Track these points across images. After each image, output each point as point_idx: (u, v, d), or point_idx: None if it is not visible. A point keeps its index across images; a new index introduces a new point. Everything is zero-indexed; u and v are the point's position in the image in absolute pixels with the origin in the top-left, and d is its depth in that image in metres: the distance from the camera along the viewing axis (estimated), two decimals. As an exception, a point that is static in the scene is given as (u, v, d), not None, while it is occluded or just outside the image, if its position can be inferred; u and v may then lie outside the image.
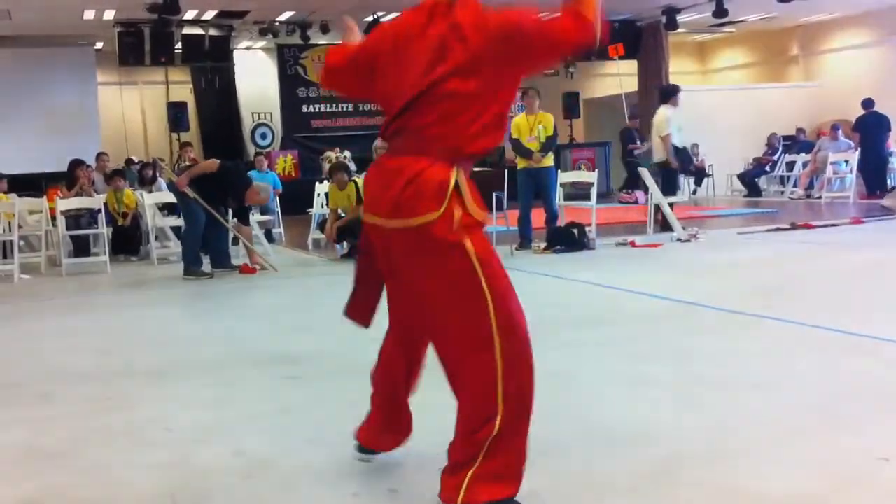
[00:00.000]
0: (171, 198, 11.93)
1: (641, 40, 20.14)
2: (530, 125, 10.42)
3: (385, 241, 2.91)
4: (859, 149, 15.67)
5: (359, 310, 3.28)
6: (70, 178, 12.36)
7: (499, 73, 2.79)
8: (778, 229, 11.25)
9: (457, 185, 2.78)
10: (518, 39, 2.77)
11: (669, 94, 12.14)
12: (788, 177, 17.99)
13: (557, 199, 10.83)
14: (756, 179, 18.06)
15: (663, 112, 11.75)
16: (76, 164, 12.63)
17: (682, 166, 12.06)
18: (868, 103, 15.81)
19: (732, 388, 4.31)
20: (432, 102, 2.77)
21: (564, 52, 2.89)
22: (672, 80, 20.43)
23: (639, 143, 17.32)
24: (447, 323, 2.85)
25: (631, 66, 20.53)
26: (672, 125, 11.59)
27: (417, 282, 2.89)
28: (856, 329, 5.26)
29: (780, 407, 3.95)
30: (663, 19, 18.87)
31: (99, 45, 18.81)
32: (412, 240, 2.79)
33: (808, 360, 4.78)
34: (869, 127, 15.64)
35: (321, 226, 11.84)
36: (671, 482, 3.13)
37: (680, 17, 18.72)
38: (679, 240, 10.54)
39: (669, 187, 11.76)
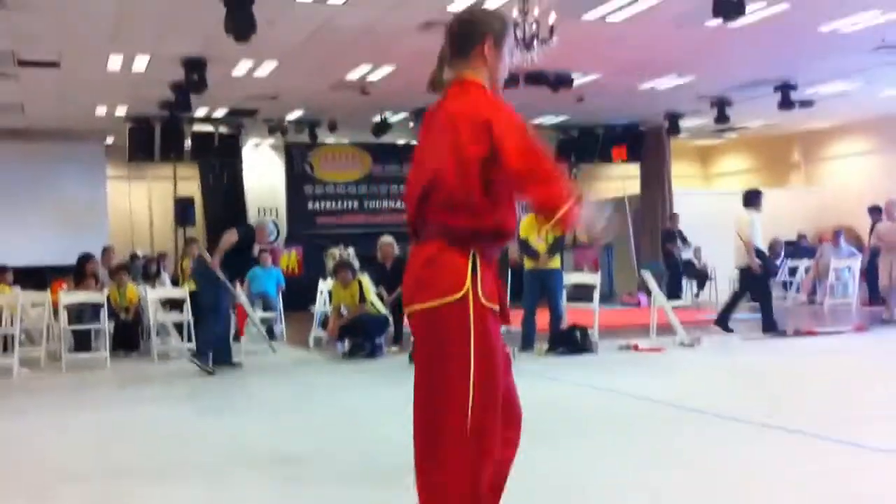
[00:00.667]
0: (173, 293, 11.98)
1: (644, 144, 20.41)
2: (538, 226, 10.44)
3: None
4: (870, 254, 15.71)
5: None
6: (78, 272, 12.39)
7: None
8: (782, 335, 11.22)
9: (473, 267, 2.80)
10: (512, 176, 2.84)
11: (753, 197, 12.08)
12: (791, 282, 18.01)
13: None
14: (759, 284, 18.06)
15: (747, 216, 11.74)
16: (86, 258, 12.68)
17: (766, 270, 11.98)
18: (878, 209, 15.92)
19: (737, 497, 4.24)
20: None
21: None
22: (674, 184, 20.70)
23: (679, 244, 17.33)
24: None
25: (634, 168, 20.76)
26: (756, 230, 11.58)
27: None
28: (863, 440, 5.20)
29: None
30: (666, 124, 19.15)
31: (109, 140, 19.07)
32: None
33: (814, 471, 4.71)
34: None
35: (323, 323, 11.83)
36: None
37: (682, 122, 19.00)
38: (682, 344, 10.51)
39: (756, 292, 11.89)
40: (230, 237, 10.08)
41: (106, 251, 14.28)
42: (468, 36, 3.05)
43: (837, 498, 4.26)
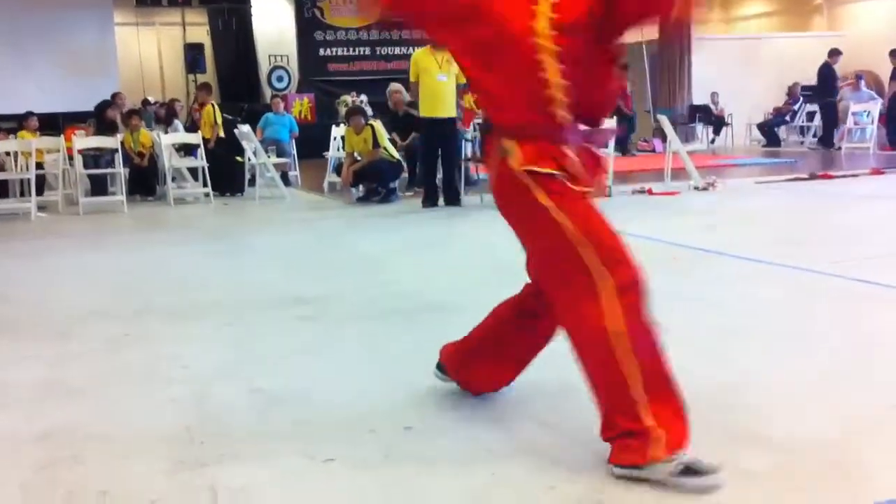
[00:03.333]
0: (187, 138, 11.97)
1: (663, -13, 19.81)
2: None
3: None
4: (889, 98, 15.47)
5: None
6: (100, 119, 12.35)
7: None
8: (797, 179, 11.18)
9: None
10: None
11: None
12: (808, 127, 17.82)
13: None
14: (776, 129, 17.90)
15: None
16: (106, 104, 12.63)
17: None
18: (898, 53, 15.60)
19: (752, 337, 4.31)
20: None
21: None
22: (693, 29, 20.19)
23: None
24: None
25: (652, 12, 20.23)
26: None
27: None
28: (876, 278, 5.24)
29: (798, 356, 3.95)
30: (686, -35, 18.55)
31: (116, -16, 18.69)
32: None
33: (828, 310, 4.78)
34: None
35: (337, 169, 11.84)
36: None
37: (703, -37, 18.40)
38: (697, 188, 10.49)
39: None
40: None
41: (116, 97, 14.19)
42: None
43: (847, 331, 4.32)
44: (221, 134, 12.01)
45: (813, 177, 11.29)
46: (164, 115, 13.36)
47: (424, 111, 9.83)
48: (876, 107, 15.50)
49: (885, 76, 16.35)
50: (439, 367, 3.49)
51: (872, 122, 15.54)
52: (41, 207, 10.68)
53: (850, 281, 5.30)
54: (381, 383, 3.75)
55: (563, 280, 2.79)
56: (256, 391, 3.71)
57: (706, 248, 6.61)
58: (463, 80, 10.11)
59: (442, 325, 4.23)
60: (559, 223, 2.74)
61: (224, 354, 4.33)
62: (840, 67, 18.95)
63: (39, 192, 11.00)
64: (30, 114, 12.72)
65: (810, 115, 17.73)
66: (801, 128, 18.09)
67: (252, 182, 11.83)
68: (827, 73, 16.45)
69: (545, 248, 2.85)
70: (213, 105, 12.29)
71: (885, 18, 19.03)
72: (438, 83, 9.71)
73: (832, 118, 16.14)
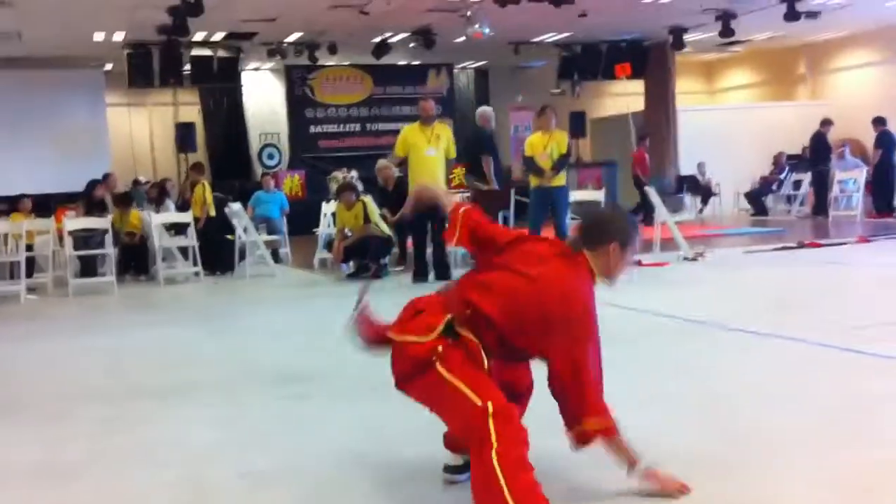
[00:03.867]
0: (178, 218, 12.01)
1: (648, 60, 20.18)
2: (544, 143, 10.33)
3: None
4: (874, 166, 15.64)
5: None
6: (88, 199, 12.40)
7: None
8: (785, 248, 11.24)
9: None
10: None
11: None
12: (795, 195, 17.98)
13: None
14: (763, 198, 18.06)
15: None
16: (94, 183, 12.70)
17: None
18: (883, 121, 15.81)
19: (745, 403, 4.31)
20: None
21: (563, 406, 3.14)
22: (678, 100, 20.52)
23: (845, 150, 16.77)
24: None
25: (638, 85, 20.57)
26: None
27: None
28: (865, 347, 5.24)
29: (793, 421, 3.95)
30: (670, 39, 18.91)
31: (108, 67, 18.91)
32: None
33: (819, 378, 4.78)
34: (888, 143, 15.66)
35: (328, 246, 11.87)
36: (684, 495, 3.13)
37: (686, 37, 18.75)
38: (686, 258, 10.53)
39: None
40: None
41: (108, 177, 14.28)
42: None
43: (839, 402, 4.32)
44: (212, 213, 12.07)
45: (801, 245, 11.36)
46: (157, 195, 13.42)
47: (414, 185, 9.91)
48: (861, 174, 15.67)
49: (869, 144, 16.57)
50: (448, 469, 3.40)
51: (858, 189, 15.70)
52: (31, 289, 10.66)
53: (840, 351, 5.31)
54: (373, 461, 3.73)
55: None
56: (247, 473, 3.68)
57: (696, 319, 6.62)
58: (453, 155, 10.22)
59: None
60: None
61: (216, 434, 4.30)
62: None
63: (29, 273, 10.99)
64: (23, 196, 12.77)
65: (797, 184, 17.90)
66: (789, 196, 18.25)
67: (242, 259, 11.85)
68: (820, 142, 16.67)
69: None
70: (204, 184, 12.37)
71: (867, 87, 19.37)
72: (427, 157, 9.81)
73: (825, 186, 16.30)
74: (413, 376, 3.05)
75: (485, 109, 12.15)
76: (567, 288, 3.05)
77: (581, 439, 3.08)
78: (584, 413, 3.06)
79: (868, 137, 16.66)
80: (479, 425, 2.82)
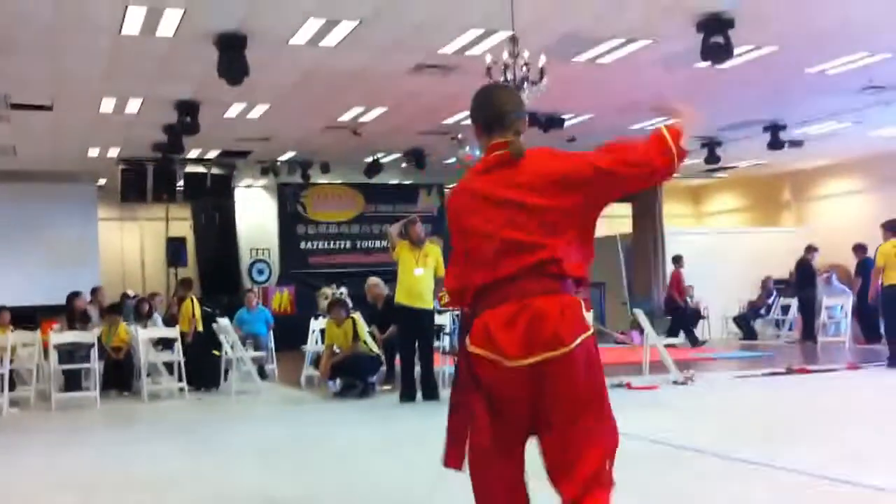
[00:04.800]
0: (165, 332, 11.95)
1: (636, 183, 20.47)
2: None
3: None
4: (857, 293, 15.71)
5: (457, 456, 3.13)
6: (69, 311, 12.37)
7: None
8: (774, 373, 11.22)
9: None
10: (604, 178, 2.94)
11: None
12: (783, 320, 18.03)
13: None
14: (751, 322, 18.10)
15: None
16: (74, 295, 12.68)
17: None
18: (863, 248, 15.94)
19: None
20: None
21: (649, 181, 3.09)
22: (666, 223, 20.76)
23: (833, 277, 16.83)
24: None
25: (625, 207, 20.84)
26: None
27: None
28: (856, 478, 5.18)
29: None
30: (657, 164, 19.24)
31: (102, 182, 19.11)
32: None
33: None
34: (869, 271, 15.74)
35: (315, 363, 11.79)
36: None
37: (673, 162, 19.09)
38: (675, 382, 10.49)
39: None
40: None
41: (96, 291, 14.26)
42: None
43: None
44: (200, 328, 12.02)
45: (790, 371, 11.33)
46: (147, 311, 13.39)
47: (400, 299, 9.99)
48: (848, 300, 15.74)
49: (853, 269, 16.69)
50: None
51: (846, 315, 15.76)
52: (13, 403, 10.51)
53: (830, 481, 5.24)
54: None
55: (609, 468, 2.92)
56: None
57: (685, 446, 6.54)
58: (441, 274, 10.27)
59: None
60: None
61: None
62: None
63: (11, 387, 10.85)
64: (1, 308, 12.68)
65: (784, 309, 17.98)
66: (777, 321, 18.30)
67: (227, 375, 11.74)
68: (805, 268, 16.83)
69: (611, 427, 2.99)
70: (192, 299, 12.36)
71: (851, 214, 19.66)
72: (415, 277, 9.88)
73: (812, 312, 16.36)
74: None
75: None
76: None
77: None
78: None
79: (852, 263, 16.80)
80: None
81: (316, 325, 12.40)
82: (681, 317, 16.99)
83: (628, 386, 10.28)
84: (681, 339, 16.60)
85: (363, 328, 10.93)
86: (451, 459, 3.12)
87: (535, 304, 2.86)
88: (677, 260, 17.44)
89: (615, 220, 19.12)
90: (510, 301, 2.88)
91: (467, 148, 15.06)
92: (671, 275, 17.53)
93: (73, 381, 11.49)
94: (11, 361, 10.89)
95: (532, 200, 2.91)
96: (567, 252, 2.94)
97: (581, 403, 2.92)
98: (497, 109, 3.09)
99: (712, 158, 17.47)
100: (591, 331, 2.95)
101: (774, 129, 15.91)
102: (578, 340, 2.86)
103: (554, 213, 2.92)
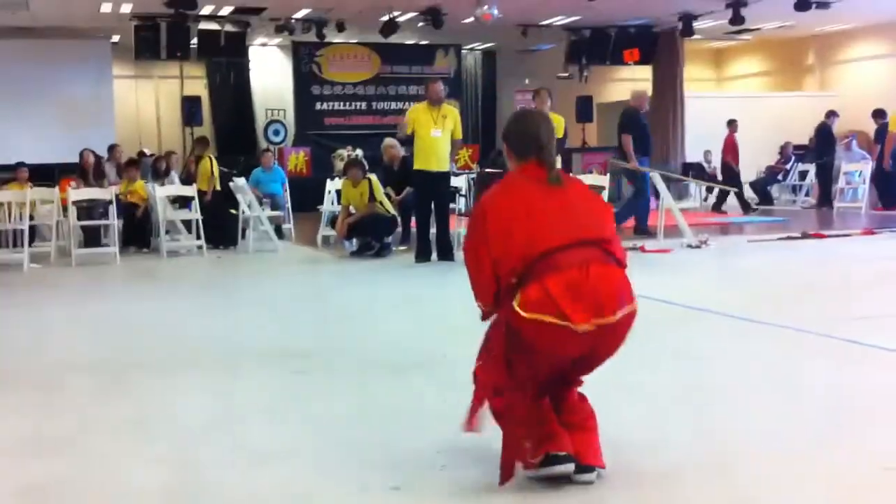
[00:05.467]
0: (183, 191, 12.01)
1: (657, 46, 20.08)
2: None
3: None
4: (875, 160, 15.55)
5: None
6: (81, 167, 12.42)
7: None
8: (789, 238, 11.22)
9: None
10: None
11: None
12: (800, 186, 17.93)
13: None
14: (768, 188, 18.00)
15: None
16: (83, 151, 12.73)
17: None
18: (882, 113, 15.69)
19: (739, 395, 4.30)
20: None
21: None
22: (687, 87, 20.43)
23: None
24: None
25: (646, 71, 20.48)
26: None
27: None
28: (865, 339, 5.24)
29: (786, 416, 3.94)
30: (679, 25, 18.80)
31: (115, 39, 18.86)
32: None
33: (817, 369, 4.77)
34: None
35: (331, 223, 11.85)
36: (674, 492, 3.13)
37: (696, 24, 18.64)
38: (689, 246, 10.51)
39: None
40: None
41: (113, 149, 14.26)
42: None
43: (835, 392, 4.31)
44: (218, 187, 12.05)
45: (805, 236, 11.32)
46: (164, 169, 13.39)
47: (418, 164, 9.88)
48: (867, 167, 15.59)
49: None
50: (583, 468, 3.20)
51: (864, 181, 15.64)
52: (33, 259, 10.66)
53: (839, 341, 5.30)
54: (371, 440, 3.72)
55: None
56: (240, 448, 3.67)
57: (696, 306, 6.61)
58: (459, 136, 10.18)
59: (434, 380, 4.22)
60: None
61: (211, 409, 4.29)
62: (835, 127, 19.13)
63: (30, 243, 10.98)
64: (20, 164, 12.75)
65: (802, 175, 17.84)
66: (794, 187, 18.19)
67: (245, 234, 11.85)
68: (825, 133, 16.57)
69: None
70: (210, 158, 12.35)
71: (875, 80, 19.25)
72: (433, 138, 9.76)
73: (829, 178, 16.22)
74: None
75: (638, 90, 12.70)
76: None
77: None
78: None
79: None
80: None
81: (332, 185, 12.41)
82: (736, 182, 16.55)
83: (642, 249, 10.32)
84: (694, 202, 16.53)
85: (379, 189, 10.93)
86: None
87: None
88: (731, 123, 17.04)
89: (635, 83, 18.80)
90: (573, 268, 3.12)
91: (486, 7, 14.70)
92: (725, 139, 17.11)
93: (92, 238, 11.62)
94: (31, 218, 11.00)
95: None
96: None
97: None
98: (534, 138, 3.35)
99: (737, 19, 17.02)
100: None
101: (802, -12, 15.46)
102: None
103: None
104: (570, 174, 10.73)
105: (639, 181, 12.20)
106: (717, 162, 17.66)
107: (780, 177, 18.25)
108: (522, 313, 3.04)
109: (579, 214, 3.24)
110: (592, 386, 3.36)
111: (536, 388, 3.19)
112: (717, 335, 5.76)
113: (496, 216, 3.21)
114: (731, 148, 16.72)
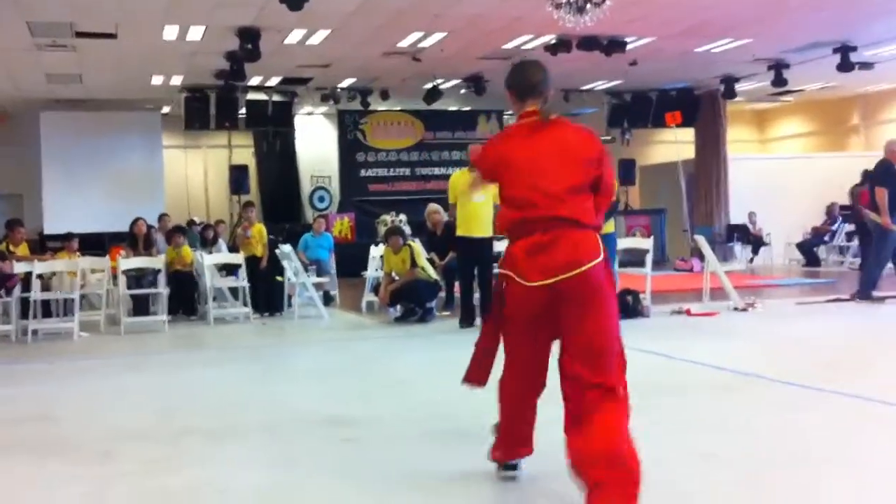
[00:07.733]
0: (230, 258, 12.18)
1: (699, 108, 20.16)
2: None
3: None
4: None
5: (478, 374, 4.22)
6: (131, 235, 12.64)
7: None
8: (837, 300, 11.08)
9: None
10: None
11: None
12: (847, 247, 17.75)
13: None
14: (815, 249, 17.84)
15: None
16: (135, 220, 12.94)
17: None
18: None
19: (800, 465, 4.23)
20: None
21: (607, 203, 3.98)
22: (729, 149, 20.42)
23: None
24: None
25: (688, 133, 20.53)
26: None
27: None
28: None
29: (850, 485, 3.88)
30: (721, 88, 18.89)
31: (166, 110, 19.34)
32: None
33: (877, 437, 4.69)
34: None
35: (375, 289, 11.93)
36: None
37: (738, 86, 18.73)
38: (736, 309, 10.43)
39: None
40: None
41: (162, 218, 14.52)
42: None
43: None
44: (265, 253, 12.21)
45: (854, 298, 11.17)
46: (212, 237, 13.60)
47: (461, 231, 9.95)
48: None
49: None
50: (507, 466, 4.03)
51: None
52: (83, 327, 10.83)
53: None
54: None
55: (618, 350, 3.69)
56: (293, 518, 3.69)
57: (744, 372, 6.54)
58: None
59: (481, 449, 4.21)
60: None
61: (262, 478, 4.31)
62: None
63: (80, 311, 11.15)
64: (70, 235, 13.00)
65: (849, 235, 17.67)
66: (841, 248, 18.02)
67: (290, 301, 11.95)
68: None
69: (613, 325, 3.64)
70: (261, 225, 12.55)
71: (922, 139, 19.08)
72: (475, 204, 9.83)
73: None
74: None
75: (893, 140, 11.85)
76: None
77: None
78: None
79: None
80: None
81: (376, 251, 12.51)
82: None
83: (688, 312, 10.26)
84: (740, 264, 16.40)
85: (421, 254, 11.00)
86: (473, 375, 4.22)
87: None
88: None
89: (677, 145, 18.84)
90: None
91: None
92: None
93: (141, 306, 11.78)
94: (82, 287, 11.20)
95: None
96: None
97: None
98: (528, 80, 3.88)
99: (779, 81, 17.07)
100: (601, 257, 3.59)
101: (844, 50, 15.47)
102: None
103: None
104: (616, 237, 10.82)
105: (880, 238, 11.31)
106: (762, 223, 17.57)
107: (826, 237, 18.09)
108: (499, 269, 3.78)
109: (551, 169, 3.69)
110: (648, 451, 3.33)
111: (525, 374, 3.85)
112: (772, 403, 5.66)
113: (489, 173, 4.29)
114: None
